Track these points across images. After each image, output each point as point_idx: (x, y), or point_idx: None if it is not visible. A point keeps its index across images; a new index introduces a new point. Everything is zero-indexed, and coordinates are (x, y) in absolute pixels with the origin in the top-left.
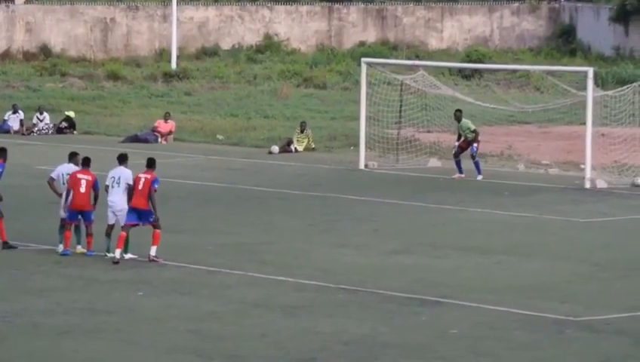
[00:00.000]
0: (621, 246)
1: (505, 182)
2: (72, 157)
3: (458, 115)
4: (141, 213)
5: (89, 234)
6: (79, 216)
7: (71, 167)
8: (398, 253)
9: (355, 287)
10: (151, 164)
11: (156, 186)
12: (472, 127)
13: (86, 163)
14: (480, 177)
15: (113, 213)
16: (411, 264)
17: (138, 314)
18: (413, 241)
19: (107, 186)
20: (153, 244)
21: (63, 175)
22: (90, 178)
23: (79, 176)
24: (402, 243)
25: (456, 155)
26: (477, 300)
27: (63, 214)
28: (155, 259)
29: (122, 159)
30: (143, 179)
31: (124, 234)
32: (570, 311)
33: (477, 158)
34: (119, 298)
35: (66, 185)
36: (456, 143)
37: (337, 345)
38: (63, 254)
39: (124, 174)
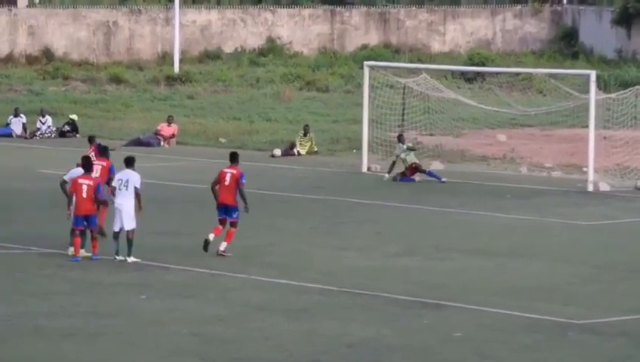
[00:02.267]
0: (623, 248)
1: (507, 185)
2: (130, 162)
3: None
4: (228, 209)
5: (94, 238)
6: (84, 222)
7: (80, 171)
8: (400, 256)
9: (358, 290)
10: (234, 158)
11: (244, 181)
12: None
13: (88, 167)
14: (444, 179)
15: (120, 216)
16: (414, 267)
17: (141, 317)
18: (415, 244)
19: (114, 188)
20: (226, 240)
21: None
22: (91, 183)
23: (80, 181)
24: (405, 245)
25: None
26: (480, 303)
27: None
28: (223, 253)
29: (129, 162)
30: (229, 175)
31: (233, 231)
32: (573, 314)
33: (428, 169)
34: (122, 301)
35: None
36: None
37: (341, 348)
38: (73, 260)
39: (132, 178)
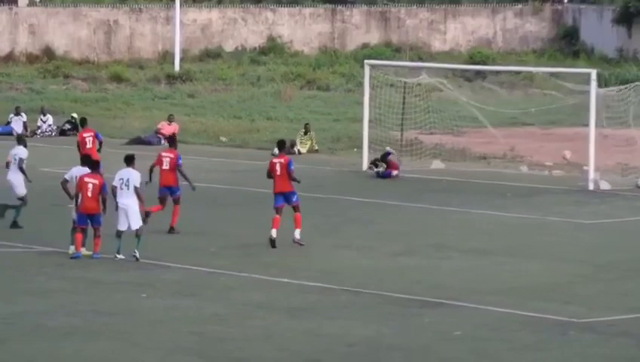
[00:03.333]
0: (624, 247)
1: (508, 183)
2: (130, 160)
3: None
4: (286, 196)
5: (97, 237)
6: (88, 220)
7: (84, 170)
8: (401, 255)
9: (358, 289)
10: (282, 146)
11: (292, 167)
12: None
13: (95, 166)
14: (395, 172)
15: (126, 216)
16: (414, 266)
17: (141, 316)
18: (416, 243)
19: (115, 187)
20: (297, 228)
21: (75, 177)
22: (97, 182)
23: (86, 179)
24: (405, 244)
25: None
26: (480, 302)
27: (74, 216)
28: (299, 242)
29: (129, 160)
30: (278, 165)
31: (299, 215)
32: (574, 313)
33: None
34: (122, 300)
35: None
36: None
37: (341, 347)
38: (74, 257)
39: (132, 176)
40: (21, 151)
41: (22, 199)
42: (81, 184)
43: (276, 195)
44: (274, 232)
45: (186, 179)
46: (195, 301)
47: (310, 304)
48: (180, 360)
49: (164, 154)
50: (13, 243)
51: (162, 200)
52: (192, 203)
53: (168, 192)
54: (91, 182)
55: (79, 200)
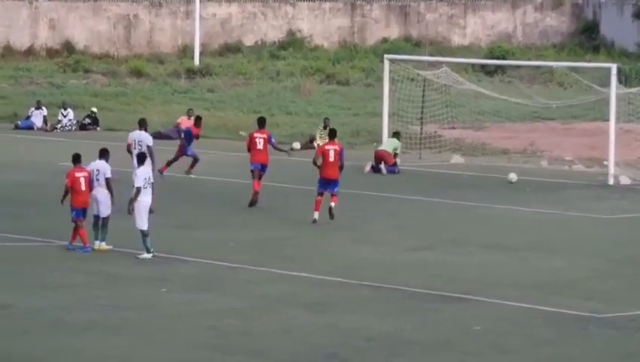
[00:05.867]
0: None
1: (528, 178)
2: (103, 153)
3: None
4: (330, 182)
5: (82, 229)
6: (83, 214)
7: (101, 164)
8: (420, 250)
9: (378, 284)
10: (333, 134)
11: (345, 154)
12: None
13: (77, 159)
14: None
15: (97, 205)
16: (434, 260)
17: (160, 311)
18: (435, 238)
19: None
20: (333, 201)
21: (94, 171)
22: (86, 174)
23: (77, 174)
24: (425, 239)
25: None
26: (500, 296)
27: (95, 211)
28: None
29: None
30: (332, 151)
31: (320, 200)
32: (594, 308)
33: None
34: (141, 294)
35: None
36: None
37: (360, 341)
38: (84, 251)
39: (102, 168)
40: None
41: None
42: (72, 179)
43: (322, 181)
44: (316, 215)
45: (281, 150)
46: (213, 295)
47: (329, 298)
48: (199, 354)
49: (256, 135)
50: (34, 237)
51: (258, 175)
52: (211, 197)
53: (260, 168)
54: (82, 175)
55: (72, 195)
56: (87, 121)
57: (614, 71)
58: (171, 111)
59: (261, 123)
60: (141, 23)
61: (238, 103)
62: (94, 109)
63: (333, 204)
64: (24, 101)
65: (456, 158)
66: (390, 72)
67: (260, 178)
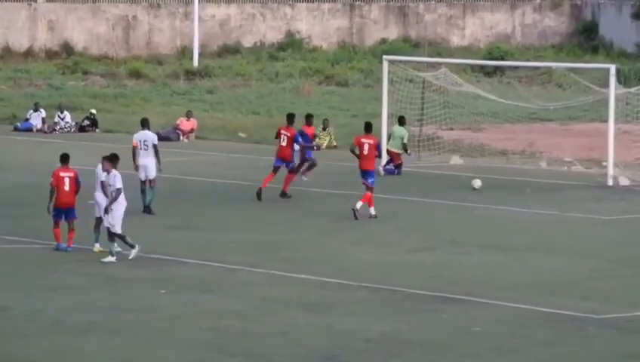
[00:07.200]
0: None
1: (527, 179)
2: (114, 159)
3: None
4: (366, 174)
5: (72, 230)
6: (63, 214)
7: (113, 173)
8: (419, 251)
9: (377, 285)
10: (369, 128)
11: (381, 147)
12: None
13: (65, 159)
14: (381, 165)
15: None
16: (433, 261)
17: (159, 312)
18: (434, 239)
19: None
20: (363, 201)
21: (99, 175)
22: (72, 174)
23: (62, 174)
24: (424, 240)
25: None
26: (498, 297)
27: (97, 213)
28: (356, 210)
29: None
30: (366, 145)
31: (369, 194)
32: (592, 309)
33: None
34: (140, 296)
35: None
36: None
37: (358, 343)
38: (61, 249)
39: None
40: (150, 137)
41: (152, 181)
42: (57, 179)
43: (363, 172)
44: (359, 204)
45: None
46: (213, 296)
47: (328, 299)
48: (198, 355)
49: (283, 131)
50: (33, 239)
51: (275, 170)
52: (210, 199)
53: (283, 164)
54: (67, 175)
55: (55, 195)
56: (86, 122)
57: (613, 71)
58: (170, 112)
59: (290, 119)
60: (140, 24)
61: (237, 104)
62: (93, 111)
63: (373, 210)
64: (23, 103)
65: (455, 159)
66: (389, 73)
67: (275, 173)
